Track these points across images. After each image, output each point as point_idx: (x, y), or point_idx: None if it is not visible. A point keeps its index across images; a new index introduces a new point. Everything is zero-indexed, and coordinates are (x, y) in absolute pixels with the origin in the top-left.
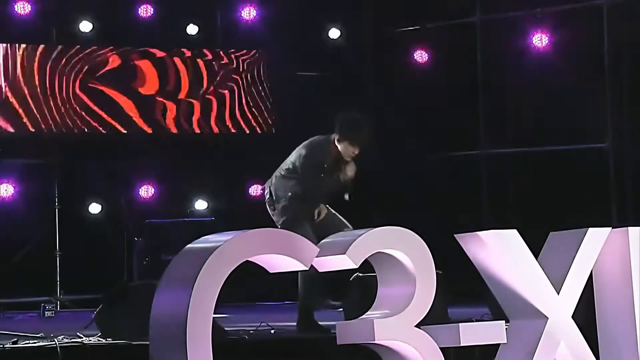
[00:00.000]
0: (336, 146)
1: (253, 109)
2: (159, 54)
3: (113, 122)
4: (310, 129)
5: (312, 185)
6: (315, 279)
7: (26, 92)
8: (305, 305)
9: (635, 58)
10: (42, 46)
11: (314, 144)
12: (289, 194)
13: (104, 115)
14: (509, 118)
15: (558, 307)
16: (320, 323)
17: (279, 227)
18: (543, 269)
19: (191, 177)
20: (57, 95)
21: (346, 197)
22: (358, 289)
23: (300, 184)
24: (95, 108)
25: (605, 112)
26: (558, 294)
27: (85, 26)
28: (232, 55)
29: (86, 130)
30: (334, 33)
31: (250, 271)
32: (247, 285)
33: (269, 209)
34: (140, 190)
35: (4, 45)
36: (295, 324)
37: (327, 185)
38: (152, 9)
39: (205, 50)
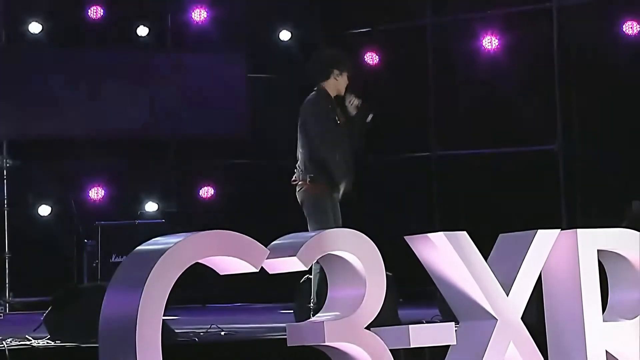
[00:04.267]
0: (333, 86)
1: (205, 111)
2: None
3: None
4: (261, 131)
5: (331, 138)
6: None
7: None
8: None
9: (584, 60)
10: None
11: (310, 99)
12: (310, 175)
13: (53, 117)
14: (459, 120)
15: (507, 308)
16: None
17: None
18: (492, 271)
19: (141, 178)
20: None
21: (370, 117)
22: (308, 291)
23: (319, 149)
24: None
25: (555, 114)
26: (507, 295)
27: (35, 27)
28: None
29: (36, 131)
30: (285, 35)
31: (201, 273)
32: (198, 287)
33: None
34: (90, 192)
35: None
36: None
37: (343, 133)
38: (102, 10)
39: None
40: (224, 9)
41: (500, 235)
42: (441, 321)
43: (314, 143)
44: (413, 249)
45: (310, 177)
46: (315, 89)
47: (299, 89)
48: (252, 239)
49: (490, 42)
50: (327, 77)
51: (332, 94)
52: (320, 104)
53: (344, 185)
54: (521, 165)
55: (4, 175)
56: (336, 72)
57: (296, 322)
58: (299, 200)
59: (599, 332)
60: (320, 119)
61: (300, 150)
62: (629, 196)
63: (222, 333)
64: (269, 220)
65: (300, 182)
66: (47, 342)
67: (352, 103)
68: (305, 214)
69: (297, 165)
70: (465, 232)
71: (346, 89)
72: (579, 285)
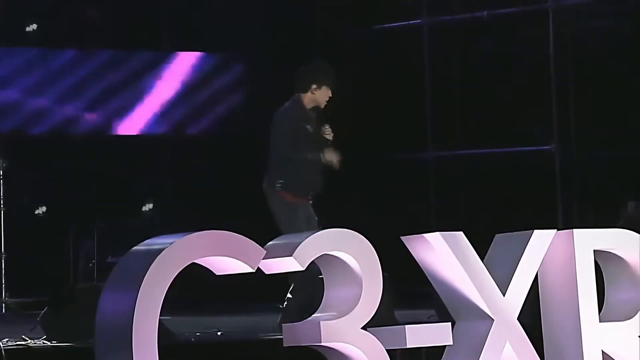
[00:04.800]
0: (310, 99)
1: (202, 111)
2: None
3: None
4: (258, 131)
5: (301, 145)
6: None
7: None
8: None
9: (581, 61)
10: None
11: (284, 110)
12: (279, 182)
13: (49, 116)
14: (455, 120)
15: (504, 308)
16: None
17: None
18: (489, 271)
19: (138, 179)
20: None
21: (335, 161)
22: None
23: (284, 162)
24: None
25: (551, 115)
26: (504, 295)
27: (33, 27)
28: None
29: (32, 131)
30: (283, 35)
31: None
32: (195, 287)
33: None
34: (86, 192)
35: None
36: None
37: (312, 141)
38: (100, 10)
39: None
40: (222, 8)
41: (497, 235)
42: (438, 321)
43: (284, 148)
44: (409, 249)
45: (280, 183)
46: (291, 98)
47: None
48: (249, 239)
49: (486, 42)
50: (305, 90)
51: (309, 105)
52: (292, 112)
53: (312, 191)
54: (518, 166)
55: (0, 175)
56: (314, 86)
57: (283, 321)
58: (272, 206)
59: (595, 332)
60: (290, 126)
61: (271, 157)
62: (625, 197)
63: (219, 333)
64: (266, 221)
65: (269, 190)
66: (44, 343)
67: (325, 133)
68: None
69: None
70: (461, 233)
71: (328, 102)
72: (576, 286)
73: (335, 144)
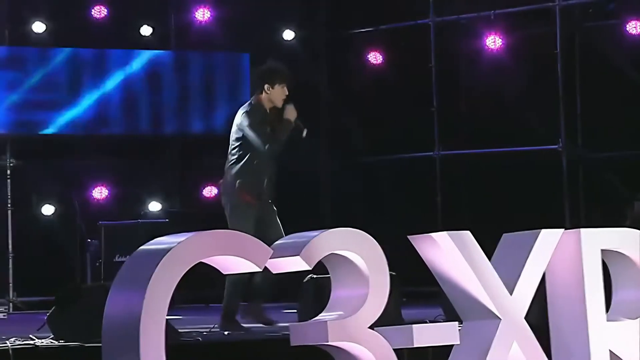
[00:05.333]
0: (266, 99)
1: (208, 110)
2: None
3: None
4: None
5: (265, 144)
6: (239, 282)
7: None
8: (228, 306)
9: (587, 59)
10: None
11: (244, 110)
12: (238, 181)
13: (56, 116)
14: (462, 119)
15: (511, 308)
16: (242, 325)
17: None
18: (496, 270)
19: (145, 178)
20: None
21: (304, 134)
22: (312, 291)
23: (250, 155)
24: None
25: (558, 114)
26: (511, 294)
27: (39, 27)
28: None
29: (38, 131)
30: (288, 34)
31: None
32: (201, 286)
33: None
34: (93, 191)
35: None
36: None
37: (275, 143)
38: (105, 10)
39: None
40: (227, 8)
41: (504, 234)
42: (445, 321)
43: (251, 148)
44: (417, 249)
45: (239, 182)
46: (250, 100)
47: (301, 89)
48: (256, 239)
49: (493, 42)
50: (261, 92)
51: (267, 106)
52: (252, 114)
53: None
54: (524, 165)
55: (7, 175)
56: (267, 86)
57: (299, 321)
58: (222, 203)
59: (602, 331)
60: (253, 127)
61: (232, 155)
62: (631, 196)
63: (225, 333)
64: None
65: (226, 186)
66: (51, 342)
67: (290, 110)
68: (230, 220)
69: (225, 168)
70: (468, 232)
71: (285, 101)
72: (583, 285)
73: (343, 145)
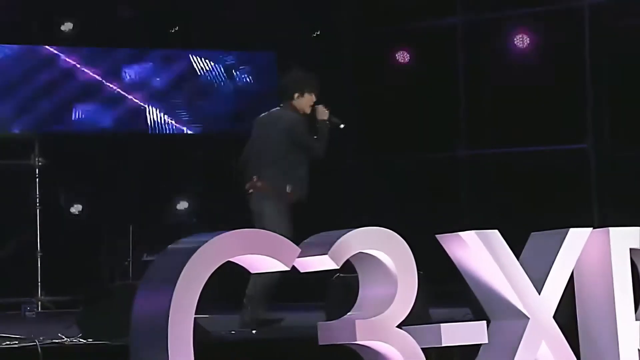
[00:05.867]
0: (296, 106)
1: (236, 109)
2: None
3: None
4: None
5: (320, 149)
6: (273, 287)
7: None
8: (257, 308)
9: (616, 58)
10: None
11: (292, 117)
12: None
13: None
14: (490, 118)
15: (539, 307)
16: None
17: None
18: (524, 269)
19: (173, 177)
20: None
21: (341, 127)
22: (339, 290)
23: (301, 161)
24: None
25: (586, 113)
26: (539, 294)
27: (67, 26)
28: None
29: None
30: (314, 32)
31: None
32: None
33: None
34: (121, 191)
35: None
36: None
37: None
38: (132, 10)
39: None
40: (252, 6)
41: (532, 233)
42: (473, 320)
43: (307, 154)
44: (445, 248)
45: (290, 187)
46: (280, 105)
47: (327, 88)
48: (284, 237)
49: (521, 41)
50: (290, 99)
51: (302, 110)
52: (302, 122)
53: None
54: (552, 164)
55: (35, 174)
56: (297, 94)
57: (327, 320)
58: (255, 207)
59: (631, 331)
60: (306, 134)
61: (281, 160)
62: None
63: (253, 332)
64: (301, 219)
65: (273, 190)
66: (79, 341)
67: (322, 111)
68: (272, 222)
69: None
70: (496, 231)
71: (313, 106)
72: (611, 284)
73: (369, 143)
